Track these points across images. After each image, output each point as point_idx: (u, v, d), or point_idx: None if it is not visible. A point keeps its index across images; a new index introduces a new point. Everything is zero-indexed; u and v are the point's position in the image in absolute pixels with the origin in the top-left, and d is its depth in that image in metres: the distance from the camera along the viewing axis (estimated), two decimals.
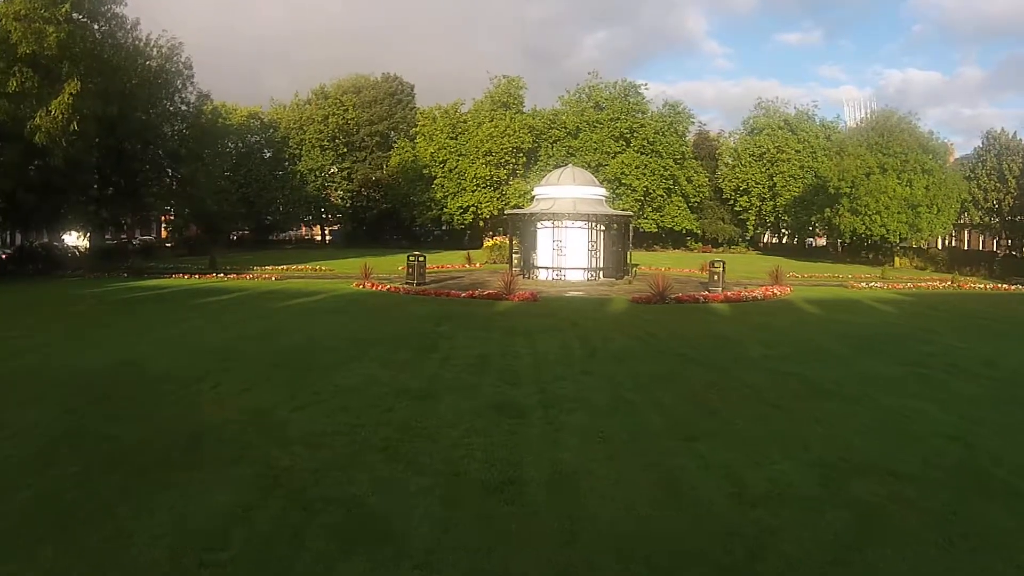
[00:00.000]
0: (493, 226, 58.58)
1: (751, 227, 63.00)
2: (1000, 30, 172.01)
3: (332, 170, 63.07)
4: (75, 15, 23.53)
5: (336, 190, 63.52)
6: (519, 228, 24.90)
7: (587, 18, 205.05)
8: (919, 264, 43.67)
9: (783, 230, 65.76)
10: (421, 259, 21.48)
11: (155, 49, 32.31)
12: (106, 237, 42.56)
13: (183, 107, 33.09)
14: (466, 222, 55.87)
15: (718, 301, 16.66)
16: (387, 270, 27.17)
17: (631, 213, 24.39)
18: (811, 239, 62.78)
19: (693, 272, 29.37)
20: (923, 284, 24.43)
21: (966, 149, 45.59)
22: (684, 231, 59.59)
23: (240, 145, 62.29)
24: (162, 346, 10.19)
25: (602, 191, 24.70)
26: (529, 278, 23.17)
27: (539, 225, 23.57)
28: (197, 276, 23.09)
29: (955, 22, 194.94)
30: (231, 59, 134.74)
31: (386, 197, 61.13)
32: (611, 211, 24.39)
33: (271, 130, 62.76)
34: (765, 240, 68.12)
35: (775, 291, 19.10)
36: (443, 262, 34.05)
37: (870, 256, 45.39)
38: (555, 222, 22.78)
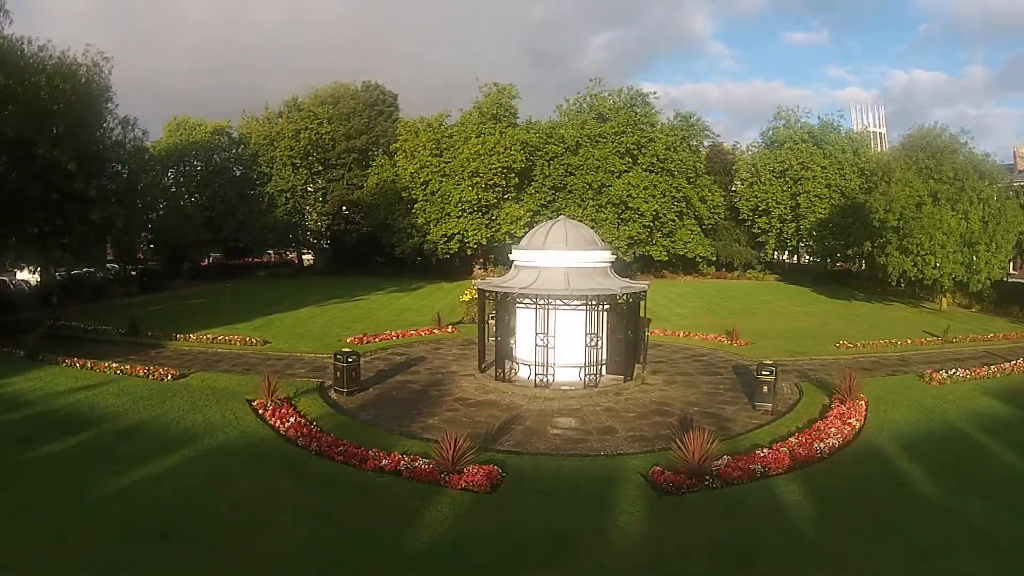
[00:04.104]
0: (484, 253, 52.76)
1: (770, 250, 57.04)
2: (1008, 28, 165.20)
3: (308, 189, 57.32)
4: None
5: (311, 212, 57.66)
6: (495, 304, 18.97)
7: (593, 20, 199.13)
8: (962, 301, 37.68)
9: (805, 254, 59.70)
10: (351, 359, 15.91)
11: (73, 69, 26.49)
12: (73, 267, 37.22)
13: (96, 143, 27.26)
14: (451, 251, 49.65)
15: (782, 469, 10.87)
16: (332, 341, 21.59)
17: (645, 286, 18.52)
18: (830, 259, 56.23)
19: (719, 341, 23.75)
20: (1006, 366, 18.85)
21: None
22: (697, 257, 53.64)
23: (209, 164, 56.70)
24: None
25: (605, 256, 18.56)
26: (506, 379, 17.29)
27: (520, 303, 17.68)
28: (90, 365, 17.67)
29: (962, 21, 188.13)
30: (229, 66, 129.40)
31: (366, 219, 55.29)
32: (616, 283, 18.21)
33: (241, 146, 57.06)
34: (777, 257, 61.63)
35: (852, 422, 13.37)
36: (410, 319, 28.35)
37: (902, 284, 39.32)
38: (540, 302, 16.87)
